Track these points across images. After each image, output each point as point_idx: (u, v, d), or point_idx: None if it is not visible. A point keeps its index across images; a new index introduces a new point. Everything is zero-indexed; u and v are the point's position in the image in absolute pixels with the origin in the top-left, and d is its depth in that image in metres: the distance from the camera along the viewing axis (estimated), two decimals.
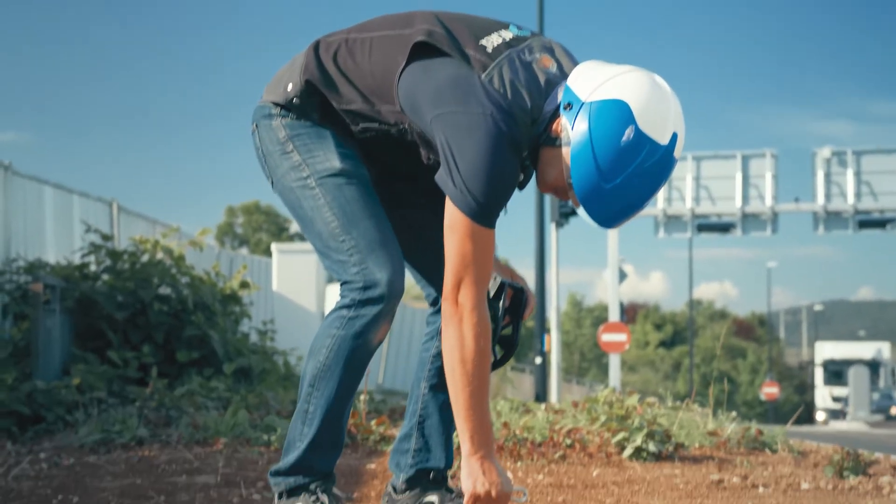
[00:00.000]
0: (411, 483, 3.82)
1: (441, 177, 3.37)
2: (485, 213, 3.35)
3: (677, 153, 3.33)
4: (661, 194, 29.87)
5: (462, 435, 3.41)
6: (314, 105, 3.64)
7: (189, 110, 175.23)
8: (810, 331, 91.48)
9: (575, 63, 3.48)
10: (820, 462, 6.71)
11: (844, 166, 29.20)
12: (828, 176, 29.33)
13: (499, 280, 3.58)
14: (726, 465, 6.54)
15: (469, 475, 3.37)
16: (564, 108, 3.32)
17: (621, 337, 28.12)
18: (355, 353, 3.55)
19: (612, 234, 29.70)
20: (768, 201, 29.60)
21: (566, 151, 3.33)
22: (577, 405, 8.35)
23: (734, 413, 8.32)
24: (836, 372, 59.19)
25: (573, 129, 3.31)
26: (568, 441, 7.05)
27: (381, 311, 3.51)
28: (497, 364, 3.61)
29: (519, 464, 6.49)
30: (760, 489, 5.32)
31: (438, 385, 3.79)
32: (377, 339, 3.56)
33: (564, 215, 24.71)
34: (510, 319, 3.63)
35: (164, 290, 12.15)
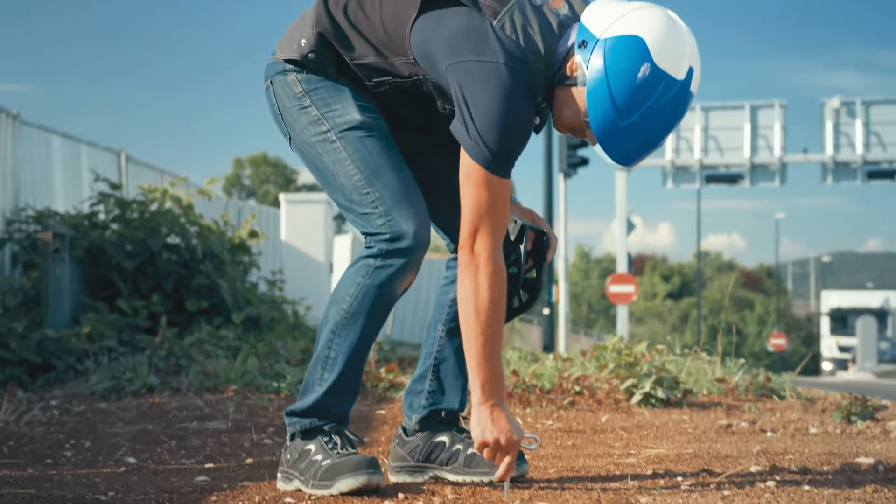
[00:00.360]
0: (423, 424, 3.83)
1: (456, 127, 3.37)
2: (499, 162, 3.35)
3: (693, 88, 3.32)
4: (669, 145, 29.83)
5: (473, 383, 3.42)
6: (329, 59, 3.62)
7: (196, 62, 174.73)
8: (818, 282, 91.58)
9: (586, 3, 3.47)
10: (828, 408, 6.73)
11: (853, 117, 29.12)
12: (836, 126, 29.25)
13: (519, 223, 3.56)
14: (734, 411, 6.57)
15: (478, 423, 3.39)
16: (579, 47, 3.31)
17: (629, 288, 28.13)
18: (380, 302, 3.55)
19: (620, 186, 29.67)
20: (777, 152, 29.54)
21: (582, 90, 3.32)
22: (585, 354, 8.37)
23: (742, 360, 8.33)
24: (843, 321, 58.66)
25: (588, 67, 3.29)
26: (577, 388, 7.08)
27: (408, 262, 3.51)
28: (522, 308, 3.60)
29: (528, 410, 6.52)
30: (769, 433, 5.34)
31: (455, 329, 3.80)
32: (402, 288, 3.57)
33: (573, 166, 24.64)
34: (533, 263, 3.61)
35: (173, 240, 12.19)
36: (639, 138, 3.30)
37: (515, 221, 3.55)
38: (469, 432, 3.71)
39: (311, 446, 3.55)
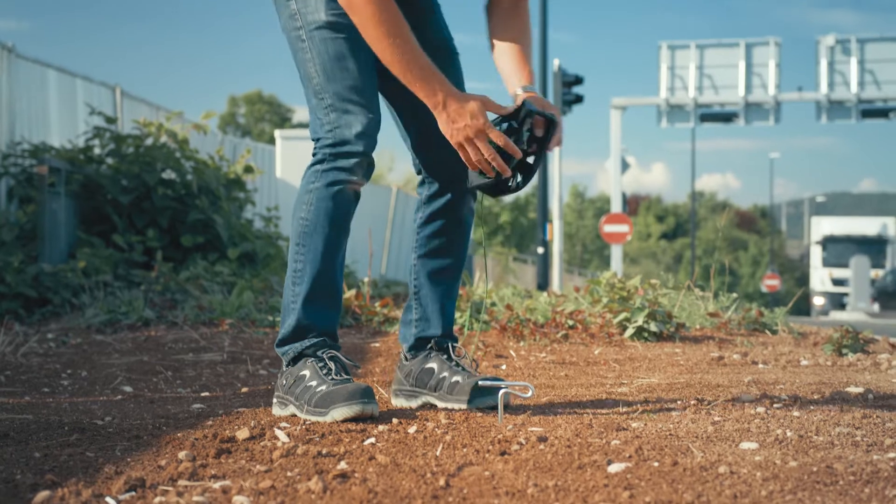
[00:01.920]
0: (414, 351, 3.90)
1: None
2: None
3: None
4: (663, 83, 29.79)
5: (420, 93, 3.44)
6: None
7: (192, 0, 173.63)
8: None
9: None
10: (819, 342, 6.78)
11: (848, 55, 29.03)
12: (831, 65, 29.16)
13: (526, 107, 3.50)
14: (727, 345, 6.61)
15: (443, 127, 3.44)
16: None
17: (623, 228, 28.16)
18: (334, 206, 3.58)
19: (615, 125, 29.64)
20: (771, 90, 29.48)
21: None
22: (579, 290, 8.41)
23: (734, 294, 8.38)
24: (837, 251, 53.14)
25: None
26: (570, 322, 7.12)
27: (355, 164, 3.54)
28: (516, 189, 3.53)
29: (522, 343, 6.56)
30: (760, 365, 5.39)
31: (427, 255, 3.87)
32: (352, 189, 3.59)
33: (567, 103, 24.61)
34: (536, 148, 3.56)
35: (169, 175, 12.18)
36: None
37: (523, 103, 3.50)
38: (457, 361, 3.77)
39: (306, 371, 3.57)
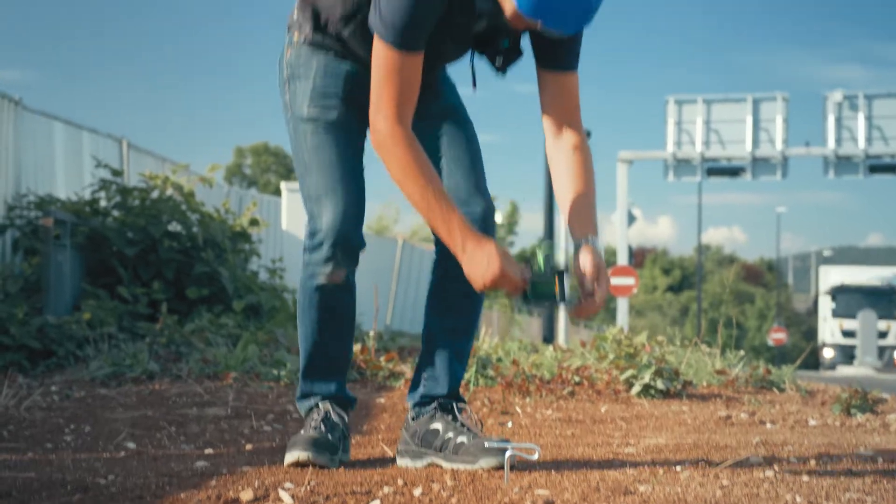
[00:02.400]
0: (418, 409, 3.88)
1: (369, 18, 3.46)
2: (396, 34, 3.36)
3: None
4: (670, 137, 29.85)
5: (441, 236, 3.46)
6: (309, 24, 3.73)
7: (199, 51, 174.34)
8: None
9: None
10: (827, 401, 6.74)
11: (856, 110, 29.07)
12: (839, 120, 29.20)
13: (560, 266, 3.45)
14: (734, 403, 6.57)
15: (465, 269, 3.43)
16: None
17: (629, 281, 28.13)
18: (313, 296, 3.72)
19: (622, 177, 29.68)
20: (779, 145, 29.52)
21: None
22: (585, 345, 8.37)
23: (742, 352, 8.34)
24: (847, 302, 50.96)
25: None
26: (576, 378, 7.08)
27: (326, 256, 3.62)
28: (524, 302, 3.51)
29: (528, 399, 6.53)
30: (768, 425, 5.35)
31: (438, 313, 3.87)
32: (331, 281, 3.67)
33: None
34: (559, 288, 3.50)
35: (175, 227, 12.18)
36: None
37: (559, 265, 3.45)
38: (461, 421, 3.76)
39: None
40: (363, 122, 3.69)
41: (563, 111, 3.67)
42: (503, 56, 3.64)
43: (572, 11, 3.27)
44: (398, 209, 57.32)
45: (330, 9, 3.69)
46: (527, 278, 3.39)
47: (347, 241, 3.62)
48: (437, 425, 3.80)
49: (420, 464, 3.82)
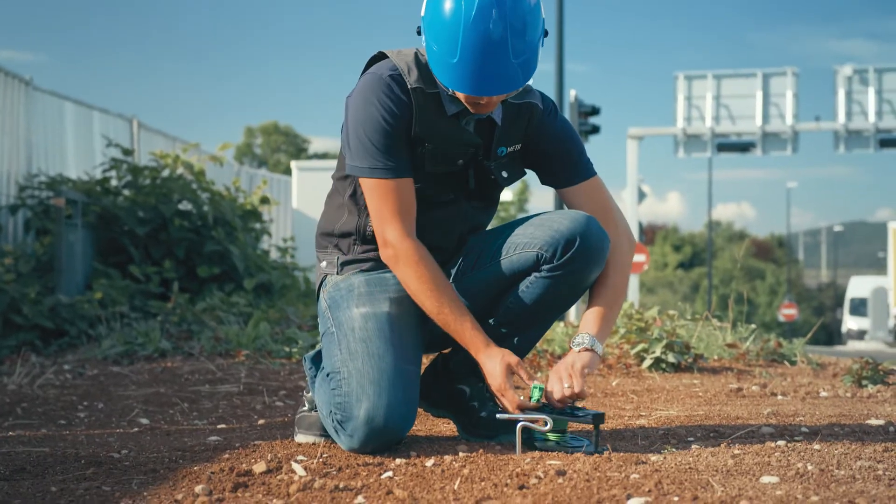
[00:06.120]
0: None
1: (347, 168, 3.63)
2: (371, 165, 3.52)
3: None
4: (680, 113, 29.76)
5: (457, 341, 3.55)
6: (338, 262, 3.82)
7: (209, 30, 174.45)
8: (829, 252, 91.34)
9: None
10: (839, 373, 6.74)
11: (866, 84, 28.95)
12: (849, 94, 29.08)
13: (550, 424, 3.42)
14: (745, 376, 6.58)
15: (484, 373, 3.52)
16: (418, 34, 3.51)
17: (640, 258, 28.05)
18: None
19: (632, 154, 29.60)
20: (789, 120, 29.40)
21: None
22: None
23: (753, 325, 8.34)
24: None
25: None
26: None
27: (361, 441, 3.45)
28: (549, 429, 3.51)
29: (539, 374, 6.53)
30: (779, 397, 5.35)
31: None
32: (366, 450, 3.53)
33: (584, 133, 24.59)
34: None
35: (185, 206, 12.19)
36: (480, 62, 3.35)
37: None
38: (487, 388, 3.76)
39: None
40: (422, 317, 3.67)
41: (596, 215, 3.70)
42: (504, 165, 3.75)
43: (492, 80, 3.39)
44: None
45: (349, 235, 3.79)
46: (518, 404, 3.44)
47: (385, 430, 3.46)
48: (465, 387, 3.83)
49: (434, 413, 3.97)
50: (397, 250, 3.53)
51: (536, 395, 3.46)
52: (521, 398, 3.45)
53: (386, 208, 3.53)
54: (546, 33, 3.47)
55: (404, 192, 3.55)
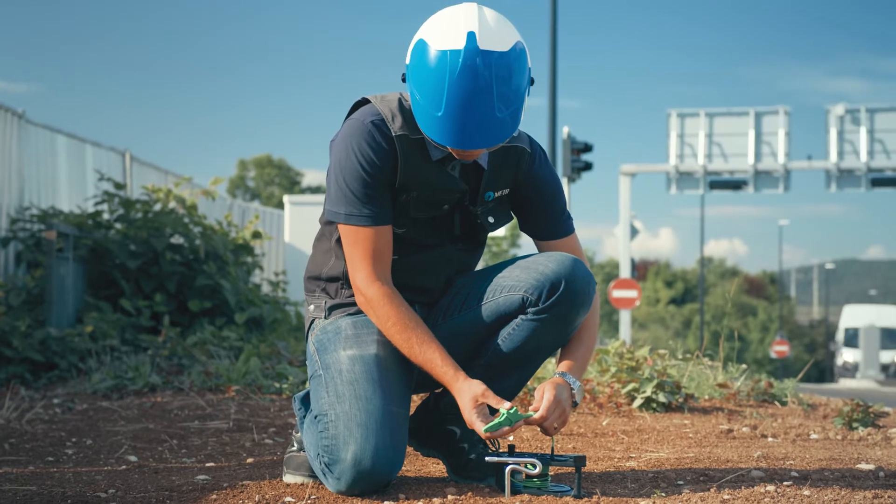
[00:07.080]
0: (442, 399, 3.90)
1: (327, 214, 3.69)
2: (347, 212, 3.56)
3: (485, 45, 3.32)
4: (672, 150, 29.86)
5: (440, 381, 3.53)
6: (325, 306, 3.83)
7: (202, 62, 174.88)
8: (821, 289, 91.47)
9: None
10: (829, 414, 6.73)
11: (858, 124, 29.06)
12: (841, 133, 29.18)
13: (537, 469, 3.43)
14: (736, 417, 6.57)
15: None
16: (403, 81, 3.51)
17: (632, 293, 28.10)
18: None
19: (624, 191, 29.66)
20: (781, 158, 29.49)
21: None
22: None
23: (744, 366, 8.33)
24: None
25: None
26: None
27: (347, 483, 3.44)
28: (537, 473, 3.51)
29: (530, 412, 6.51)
30: (770, 439, 5.35)
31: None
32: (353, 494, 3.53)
33: (577, 170, 24.62)
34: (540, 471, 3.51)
35: (177, 240, 12.19)
36: (464, 119, 3.35)
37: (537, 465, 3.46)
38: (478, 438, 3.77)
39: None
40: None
41: None
42: (490, 210, 3.77)
43: (478, 134, 3.38)
44: None
45: (337, 280, 3.80)
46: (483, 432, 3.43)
47: (371, 472, 3.45)
48: (455, 428, 3.83)
49: (423, 453, 3.98)
50: (365, 295, 3.57)
51: (503, 418, 3.41)
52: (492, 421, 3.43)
53: (357, 254, 3.57)
54: (532, 81, 3.46)
55: (379, 239, 3.57)
